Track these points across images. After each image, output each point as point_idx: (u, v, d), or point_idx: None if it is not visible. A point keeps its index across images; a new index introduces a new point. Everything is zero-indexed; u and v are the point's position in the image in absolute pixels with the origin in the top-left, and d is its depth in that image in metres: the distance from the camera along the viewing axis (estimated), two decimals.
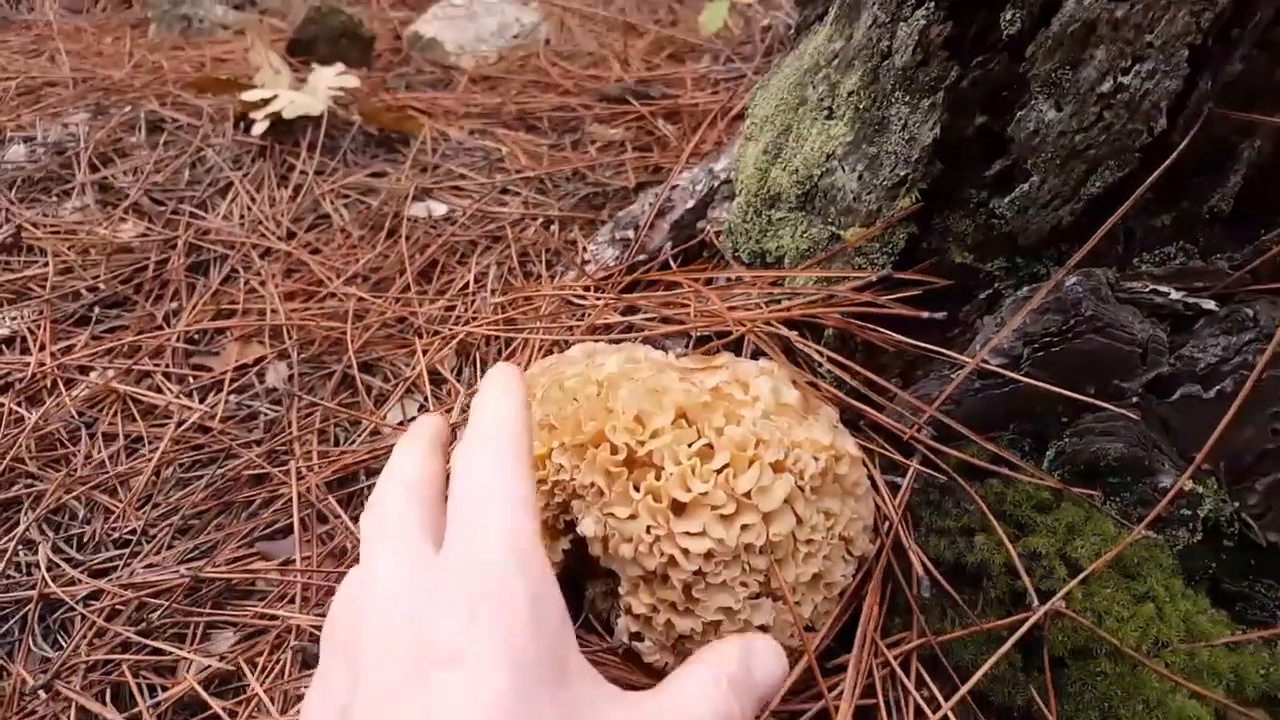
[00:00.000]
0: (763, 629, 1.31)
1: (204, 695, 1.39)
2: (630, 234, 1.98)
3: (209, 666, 1.46)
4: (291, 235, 2.49)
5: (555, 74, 3.35)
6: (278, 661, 1.45)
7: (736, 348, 1.66)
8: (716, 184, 1.93)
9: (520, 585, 0.87)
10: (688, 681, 0.97)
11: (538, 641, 0.84)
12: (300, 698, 1.38)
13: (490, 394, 1.12)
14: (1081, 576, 1.33)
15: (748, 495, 1.28)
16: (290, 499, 1.70)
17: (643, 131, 2.89)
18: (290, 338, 2.13)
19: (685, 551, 1.26)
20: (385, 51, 3.79)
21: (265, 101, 2.80)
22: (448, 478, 1.07)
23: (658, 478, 1.31)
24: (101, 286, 2.36)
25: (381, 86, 3.30)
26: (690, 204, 1.92)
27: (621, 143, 2.82)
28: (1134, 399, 1.38)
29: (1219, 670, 1.37)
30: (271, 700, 1.39)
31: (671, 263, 1.90)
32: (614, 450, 1.33)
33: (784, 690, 1.33)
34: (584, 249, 2.08)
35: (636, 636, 1.34)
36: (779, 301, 1.66)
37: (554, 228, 2.43)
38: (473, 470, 1.00)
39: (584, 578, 1.50)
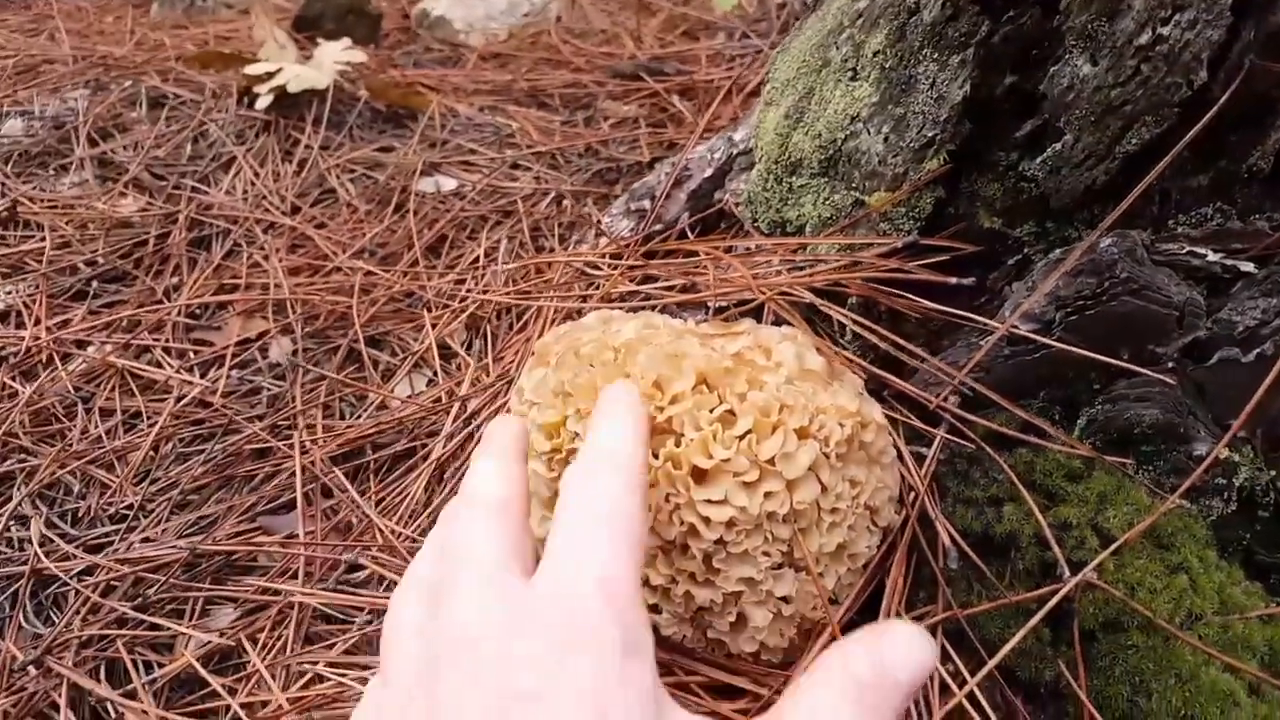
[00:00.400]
0: (784, 600, 1.27)
1: (202, 671, 1.35)
2: (646, 204, 1.93)
3: (208, 642, 1.41)
4: (296, 210, 2.45)
5: (567, 51, 3.30)
6: (279, 637, 1.41)
7: (757, 317, 1.62)
8: (735, 153, 1.88)
9: (614, 633, 0.77)
10: (811, 700, 0.78)
11: (625, 692, 0.76)
12: (303, 674, 1.33)
13: (608, 413, 1.05)
14: (1114, 547, 1.28)
15: (771, 462, 1.23)
16: (293, 473, 1.65)
17: (656, 108, 2.83)
18: (294, 312, 2.09)
19: (706, 520, 1.21)
20: (393, 30, 3.74)
21: (269, 75, 2.75)
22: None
23: (678, 444, 1.26)
24: (100, 261, 2.32)
25: (389, 63, 3.25)
26: (708, 173, 1.87)
27: (635, 119, 2.77)
28: (1169, 364, 1.33)
29: (1253, 643, 1.33)
30: (273, 676, 1.34)
31: (689, 233, 1.85)
32: None
33: (807, 663, 1.29)
34: (598, 221, 2.03)
35: (654, 609, 1.29)
36: (801, 269, 1.61)
37: (566, 202, 2.39)
38: (581, 497, 0.93)
39: None
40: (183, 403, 1.92)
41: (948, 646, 1.35)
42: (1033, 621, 1.25)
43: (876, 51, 1.51)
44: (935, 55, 1.42)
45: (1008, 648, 1.26)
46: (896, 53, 1.47)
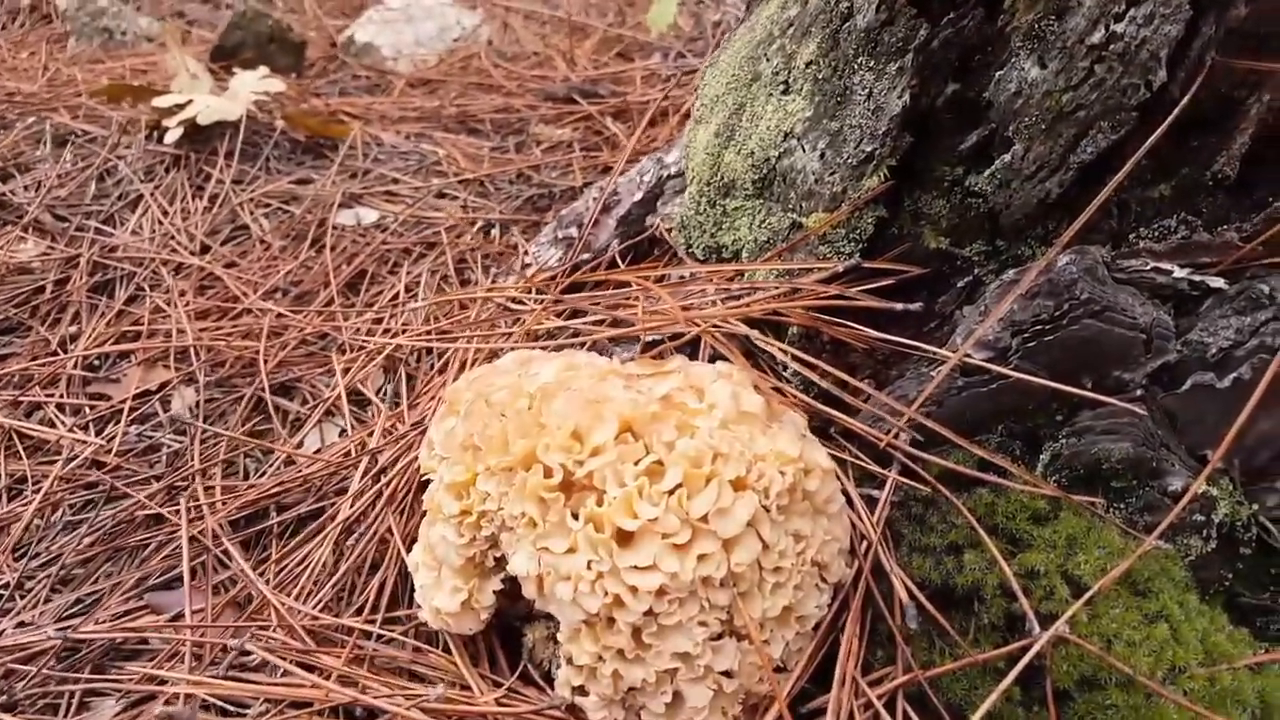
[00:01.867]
0: (725, 674, 1.13)
1: None
2: (574, 232, 1.80)
3: None
4: (206, 249, 2.29)
5: (498, 75, 3.17)
6: None
7: (692, 352, 1.48)
8: (666, 175, 1.76)
9: None
10: None
11: None
12: None
13: None
14: (1087, 597, 1.16)
15: (704, 519, 1.10)
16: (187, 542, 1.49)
17: (591, 131, 2.71)
18: (199, 359, 1.93)
19: (633, 589, 1.07)
20: (319, 58, 3.59)
21: (179, 107, 2.60)
22: None
23: (599, 503, 1.13)
24: None
25: (311, 92, 3.10)
26: (638, 196, 1.74)
27: (569, 143, 2.64)
28: (1138, 391, 1.22)
29: (1243, 696, 1.21)
30: None
31: (619, 261, 1.72)
32: (548, 473, 1.14)
33: None
34: (524, 251, 1.89)
35: (580, 690, 1.15)
36: (737, 298, 1.48)
37: (494, 232, 2.25)
38: None
39: (523, 620, 1.30)
40: (73, 464, 1.75)
41: (910, 713, 1.21)
42: (1004, 684, 1.12)
43: (809, 62, 1.39)
44: (871, 64, 1.30)
45: (977, 716, 1.13)
46: (830, 62, 1.36)
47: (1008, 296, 1.22)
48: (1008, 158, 1.25)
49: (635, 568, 1.08)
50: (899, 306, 1.34)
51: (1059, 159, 1.22)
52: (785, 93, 1.45)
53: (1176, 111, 1.13)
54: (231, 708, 1.25)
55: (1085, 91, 1.16)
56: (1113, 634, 1.18)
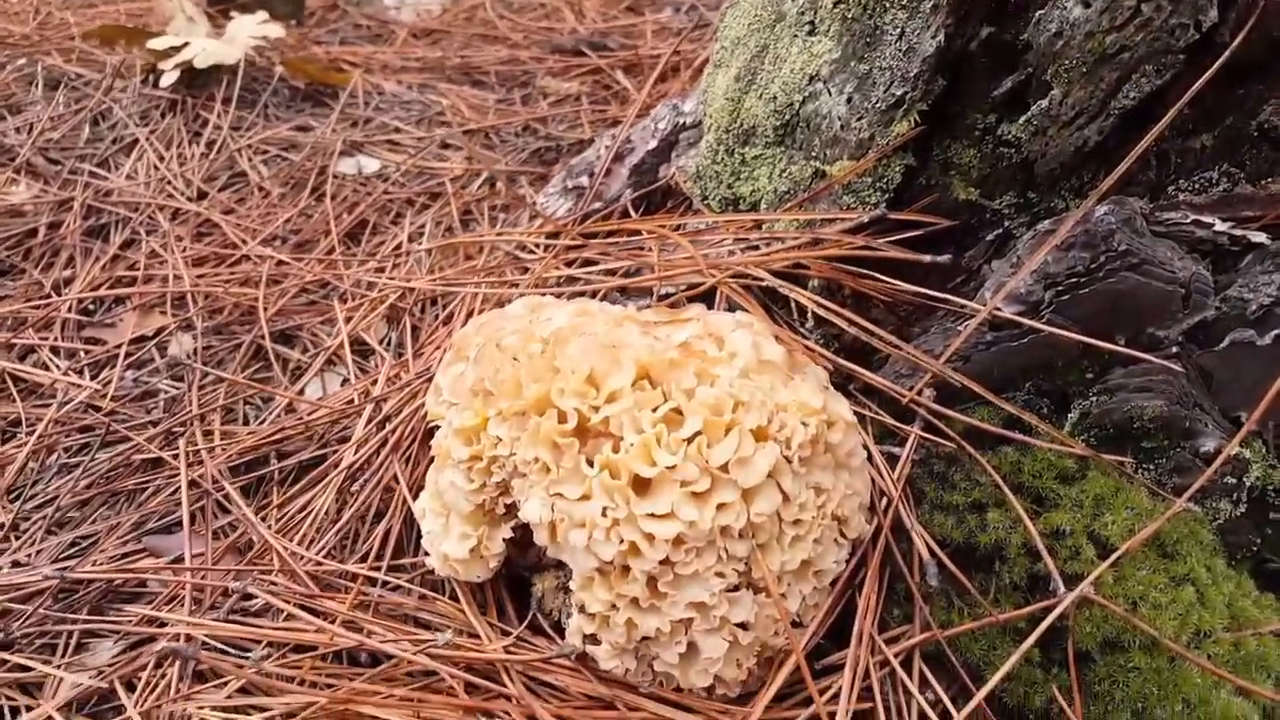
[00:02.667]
0: (741, 626, 1.10)
1: None
2: (584, 181, 1.75)
3: (81, 685, 1.21)
4: (203, 195, 2.23)
5: (504, 26, 3.10)
6: (163, 676, 1.21)
7: (708, 305, 1.44)
8: (682, 123, 1.71)
9: None
10: None
11: None
12: (188, 716, 1.14)
13: None
14: (1114, 558, 1.13)
15: (724, 468, 1.06)
16: (186, 486, 1.45)
17: (599, 85, 2.65)
18: (196, 305, 1.88)
19: (649, 537, 1.04)
20: (319, 7, 3.51)
21: (175, 50, 2.53)
22: None
23: (615, 449, 1.09)
24: None
25: (311, 40, 3.03)
26: (652, 145, 1.69)
27: (576, 96, 2.58)
28: (1173, 349, 1.18)
29: (1268, 662, 1.18)
30: None
31: (632, 211, 1.67)
32: (562, 418, 1.10)
33: (769, 697, 1.12)
34: (532, 202, 1.84)
35: (592, 639, 1.12)
36: (756, 249, 1.44)
37: (500, 184, 2.19)
38: None
39: (532, 570, 1.27)
40: (68, 407, 1.71)
41: (927, 673, 1.19)
42: (1025, 645, 1.09)
43: (837, 1, 1.34)
44: (904, 2, 1.25)
45: (998, 676, 1.10)
46: (860, 1, 1.31)
47: (1042, 248, 1.18)
48: (1045, 103, 1.20)
49: (652, 515, 1.04)
50: (926, 259, 1.30)
51: (1099, 105, 1.18)
52: (811, 33, 1.40)
53: (1226, 55, 1.09)
54: (232, 650, 1.22)
55: (1130, 32, 1.12)
56: (1138, 596, 1.15)
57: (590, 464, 1.08)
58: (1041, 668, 1.17)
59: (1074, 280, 1.17)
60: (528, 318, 1.27)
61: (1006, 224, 1.30)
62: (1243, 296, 1.15)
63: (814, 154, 1.41)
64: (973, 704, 1.09)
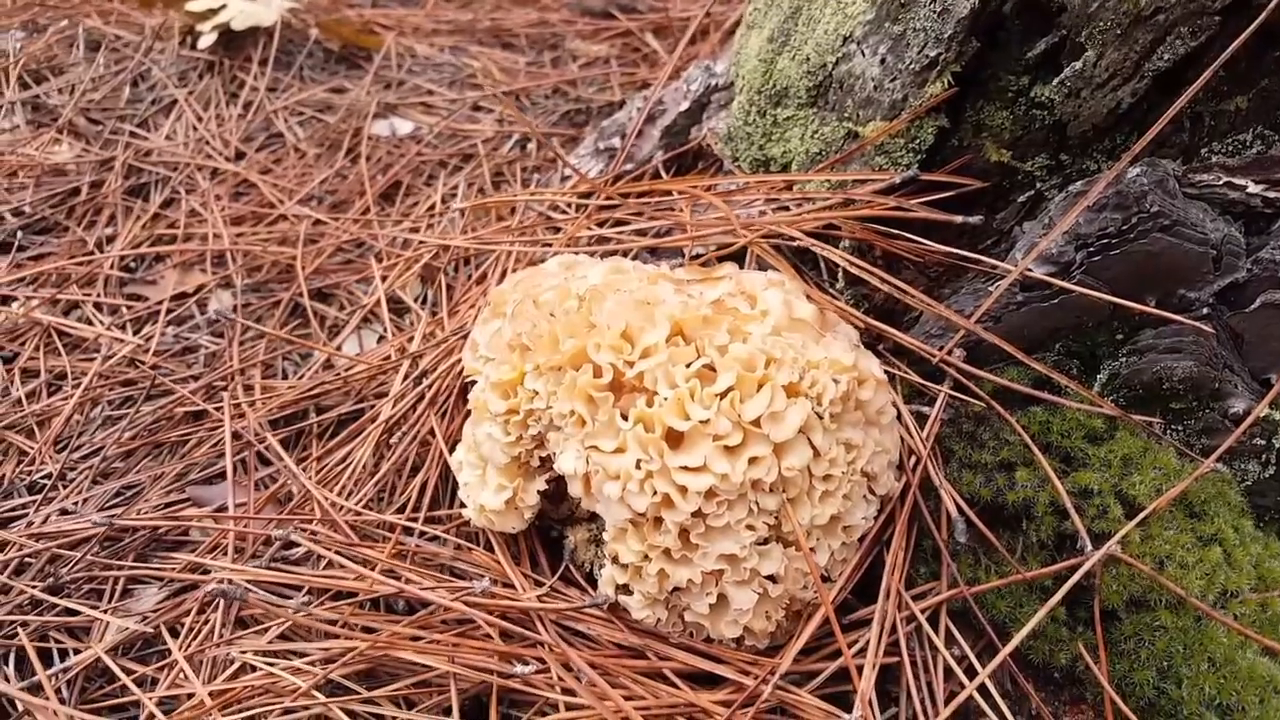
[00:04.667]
0: (770, 579, 1.12)
1: (112, 666, 1.20)
2: (616, 143, 1.76)
3: (127, 629, 1.25)
4: (240, 155, 2.26)
5: None
6: (206, 621, 1.25)
7: (738, 264, 1.46)
8: (714, 84, 1.71)
9: None
10: None
11: None
12: (230, 663, 1.18)
13: None
14: (1141, 517, 1.14)
15: (756, 423, 1.08)
16: (228, 438, 1.49)
17: (629, 47, 2.65)
18: (235, 263, 1.91)
19: (682, 489, 1.06)
20: None
21: (213, 12, 2.55)
22: None
23: (649, 403, 1.11)
24: (28, 210, 2.13)
25: (344, 3, 3.04)
26: (684, 106, 1.70)
27: (606, 58, 2.58)
28: (1204, 310, 1.18)
29: None
30: (196, 666, 1.19)
31: (663, 172, 1.68)
32: (597, 372, 1.13)
33: (797, 649, 1.14)
34: (564, 163, 1.86)
35: (624, 589, 1.15)
36: (787, 209, 1.45)
37: (531, 146, 2.21)
38: None
39: (564, 523, 1.30)
40: (111, 362, 1.75)
41: (953, 629, 1.21)
42: (1052, 602, 1.11)
43: None
44: None
45: (1023, 632, 1.12)
46: None
47: (1074, 209, 1.18)
48: (1079, 65, 1.20)
49: (685, 468, 1.06)
50: (958, 220, 1.30)
51: (1133, 66, 1.17)
52: None
53: (1263, 16, 1.08)
54: (274, 598, 1.25)
55: None
56: (1165, 555, 1.16)
57: (625, 418, 1.10)
58: (1067, 626, 1.19)
59: (1105, 241, 1.17)
60: (563, 275, 1.29)
61: (1038, 186, 1.31)
62: (1274, 258, 1.15)
63: (847, 115, 1.42)
64: (997, 660, 1.11)
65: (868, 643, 1.16)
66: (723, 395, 1.08)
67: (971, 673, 1.16)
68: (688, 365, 1.11)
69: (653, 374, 1.10)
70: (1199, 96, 1.17)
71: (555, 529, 1.32)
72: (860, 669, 1.13)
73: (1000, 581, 1.19)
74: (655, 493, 1.07)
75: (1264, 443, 1.20)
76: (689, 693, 1.13)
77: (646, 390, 1.11)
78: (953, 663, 1.17)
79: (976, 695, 1.10)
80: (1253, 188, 1.17)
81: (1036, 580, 1.18)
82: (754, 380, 1.09)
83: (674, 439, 1.09)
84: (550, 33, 2.81)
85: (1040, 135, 1.29)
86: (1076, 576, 1.11)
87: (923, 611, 1.20)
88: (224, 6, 2.57)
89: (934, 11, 1.27)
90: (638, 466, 1.07)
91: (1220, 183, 1.18)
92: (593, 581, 1.24)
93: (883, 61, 1.34)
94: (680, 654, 1.16)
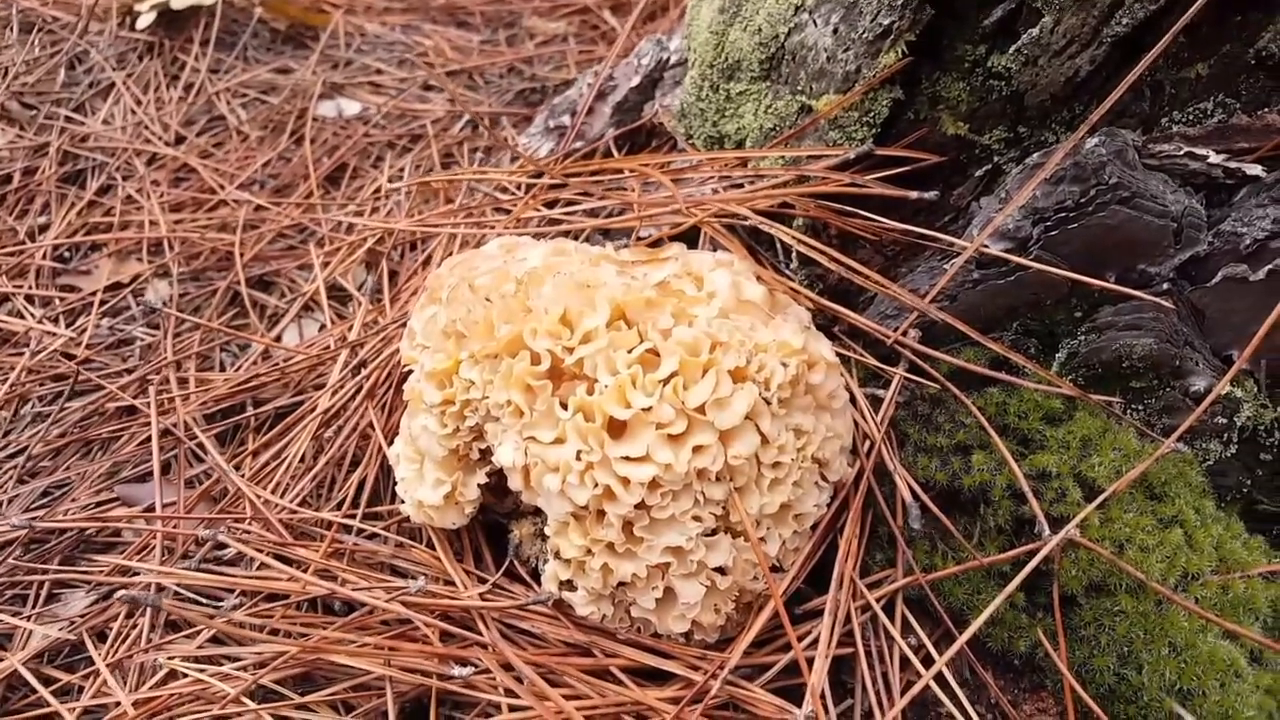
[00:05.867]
0: (719, 571, 1.08)
1: (29, 678, 1.13)
2: (566, 120, 1.71)
3: (50, 637, 1.19)
4: (180, 139, 2.18)
5: None
6: (134, 626, 1.19)
7: (690, 245, 1.40)
8: (667, 59, 1.66)
9: None
10: None
11: None
12: (156, 669, 1.12)
13: None
14: (1100, 500, 1.10)
15: (701, 410, 1.03)
16: (161, 434, 1.42)
17: (587, 25, 2.59)
18: (173, 251, 1.84)
19: (624, 481, 1.01)
20: None
21: None
22: None
23: (590, 391, 1.06)
24: None
25: None
26: (635, 81, 1.64)
27: (563, 36, 2.52)
28: (1164, 285, 1.15)
29: (1256, 605, 1.16)
30: (121, 674, 1.13)
31: (614, 150, 1.63)
32: (535, 359, 1.07)
33: (747, 642, 1.10)
34: (514, 141, 1.80)
35: (568, 585, 1.10)
36: (740, 187, 1.40)
37: (483, 126, 2.14)
38: None
39: (509, 517, 1.25)
40: (41, 356, 1.68)
41: (909, 617, 1.17)
42: (1010, 588, 1.07)
43: None
44: None
45: (980, 619, 1.08)
46: None
47: (1031, 181, 1.14)
48: (1035, 31, 1.15)
49: (627, 458, 1.02)
50: (914, 195, 1.26)
51: (1091, 32, 1.13)
52: None
53: None
54: (204, 600, 1.20)
55: None
56: (1125, 538, 1.13)
57: (564, 407, 1.05)
58: (1026, 612, 1.15)
59: (1063, 215, 1.13)
60: (502, 258, 1.23)
61: (996, 159, 1.26)
62: (1236, 231, 1.11)
63: (800, 88, 1.37)
64: (954, 648, 1.07)
65: (820, 634, 1.12)
66: (665, 381, 1.03)
67: (929, 662, 1.12)
68: (629, 350, 1.06)
69: (593, 360, 1.05)
70: (1159, 64, 1.13)
71: (501, 520, 1.27)
72: (811, 661, 1.09)
73: (957, 568, 1.15)
74: (596, 485, 1.02)
75: (1225, 421, 1.17)
76: (636, 690, 1.08)
77: (586, 377, 1.06)
78: (909, 652, 1.14)
79: (934, 685, 1.06)
80: (1214, 158, 1.13)
81: (994, 566, 1.15)
82: (699, 365, 1.05)
83: (615, 428, 1.04)
84: (507, 10, 2.74)
85: (998, 106, 1.24)
86: (1035, 562, 1.07)
87: (878, 600, 1.16)
88: None
89: None
90: (578, 458, 1.02)
91: (1181, 153, 1.14)
92: (538, 577, 1.19)
93: (835, 31, 1.29)
94: (628, 650, 1.11)
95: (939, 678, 1.09)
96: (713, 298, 1.13)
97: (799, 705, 1.07)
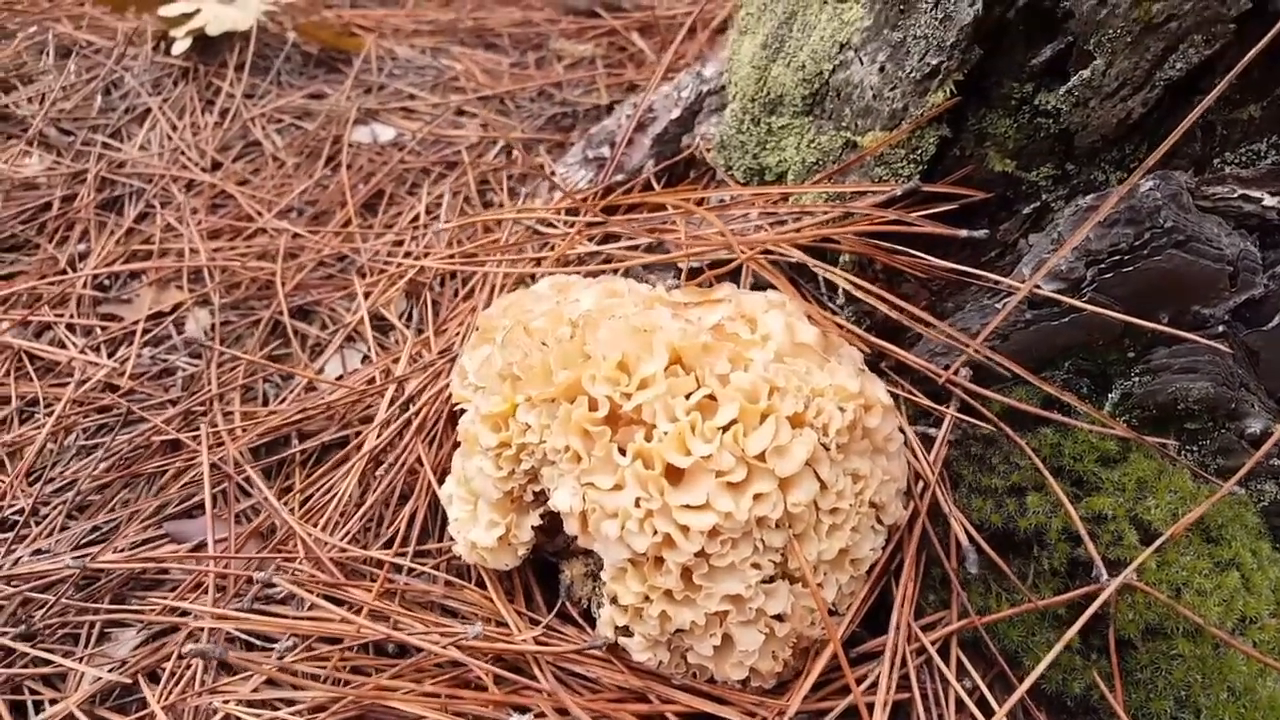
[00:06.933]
0: (777, 618, 1.08)
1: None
2: (605, 152, 1.71)
3: (102, 679, 1.20)
4: (217, 165, 2.19)
5: None
6: (188, 667, 1.20)
7: (734, 281, 1.41)
8: (705, 90, 1.66)
9: None
10: None
11: None
12: (212, 713, 1.13)
13: None
14: (1158, 544, 1.10)
15: (761, 457, 1.03)
16: (207, 469, 1.43)
17: (615, 47, 2.59)
18: (213, 280, 1.85)
19: (684, 529, 1.02)
20: None
21: (187, 17, 2.48)
22: None
23: (648, 438, 1.06)
24: None
25: (323, 4, 2.97)
26: (675, 114, 1.65)
27: (591, 59, 2.53)
28: (1219, 328, 1.14)
29: None
30: (177, 717, 1.14)
31: (654, 183, 1.63)
32: (593, 405, 1.08)
33: (806, 688, 1.10)
34: (551, 172, 1.80)
35: (624, 631, 1.10)
36: (784, 223, 1.40)
37: (517, 152, 2.15)
38: None
39: (559, 555, 1.25)
40: (86, 387, 1.69)
41: (964, 660, 1.17)
42: (1068, 635, 1.07)
43: None
44: None
45: (1040, 668, 1.08)
46: None
47: (1085, 224, 1.14)
48: (1087, 73, 1.15)
49: (687, 506, 1.02)
50: (962, 233, 1.26)
51: (1144, 75, 1.13)
52: (842, 0, 1.35)
53: None
54: (258, 641, 1.20)
55: (1178, 0, 1.07)
56: (1182, 582, 1.12)
57: (623, 453, 1.06)
58: (1080, 654, 1.15)
59: (1117, 258, 1.13)
60: (555, 298, 1.24)
61: (1044, 197, 1.26)
62: None
63: (844, 124, 1.37)
64: (1015, 697, 1.07)
65: (878, 678, 1.12)
66: (725, 429, 1.04)
67: (984, 704, 1.12)
68: (688, 396, 1.06)
69: (651, 406, 1.06)
70: (1212, 106, 1.12)
71: (551, 559, 1.28)
72: (870, 706, 1.09)
73: (1012, 611, 1.15)
74: (656, 532, 1.02)
75: None
76: None
77: (645, 423, 1.06)
78: (965, 695, 1.13)
79: None
80: (1268, 200, 1.13)
81: (1050, 609, 1.14)
82: (757, 411, 1.05)
83: (674, 475, 1.04)
84: (534, 32, 2.75)
85: (1045, 145, 1.24)
86: (1095, 607, 1.07)
87: (933, 643, 1.16)
88: (198, 11, 2.49)
89: (936, 18, 1.22)
90: (637, 505, 1.02)
91: (1235, 195, 1.14)
92: (589, 616, 1.19)
93: (881, 69, 1.29)
94: (683, 696, 1.11)
95: None
96: (768, 340, 1.13)
97: None
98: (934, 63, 1.24)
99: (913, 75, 1.26)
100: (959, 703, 1.13)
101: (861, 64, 1.32)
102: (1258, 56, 1.07)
